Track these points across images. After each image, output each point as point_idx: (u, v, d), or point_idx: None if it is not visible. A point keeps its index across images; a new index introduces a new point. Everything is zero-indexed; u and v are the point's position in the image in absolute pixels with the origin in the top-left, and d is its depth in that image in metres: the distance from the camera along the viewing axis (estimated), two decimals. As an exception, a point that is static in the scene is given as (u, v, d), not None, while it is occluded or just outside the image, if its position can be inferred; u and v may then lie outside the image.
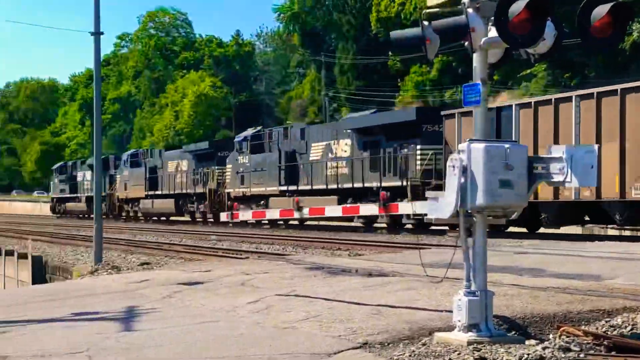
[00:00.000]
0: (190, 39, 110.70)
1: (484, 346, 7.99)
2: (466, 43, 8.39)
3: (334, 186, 37.43)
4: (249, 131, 47.64)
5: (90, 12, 22.69)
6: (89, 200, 62.49)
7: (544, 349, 7.86)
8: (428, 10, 9.03)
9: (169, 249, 27.60)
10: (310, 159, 39.45)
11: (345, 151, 37.24)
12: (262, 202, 42.94)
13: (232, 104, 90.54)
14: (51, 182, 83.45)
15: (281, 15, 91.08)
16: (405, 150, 33.50)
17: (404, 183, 32.78)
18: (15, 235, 45.14)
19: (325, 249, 25.62)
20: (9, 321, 12.17)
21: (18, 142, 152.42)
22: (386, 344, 8.65)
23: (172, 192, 54.14)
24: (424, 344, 8.46)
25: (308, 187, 39.22)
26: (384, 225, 35.62)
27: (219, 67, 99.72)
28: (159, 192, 55.98)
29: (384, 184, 34.49)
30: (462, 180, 8.06)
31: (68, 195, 75.06)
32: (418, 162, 32.47)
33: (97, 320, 11.71)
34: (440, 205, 8.34)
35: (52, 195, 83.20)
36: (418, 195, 30.50)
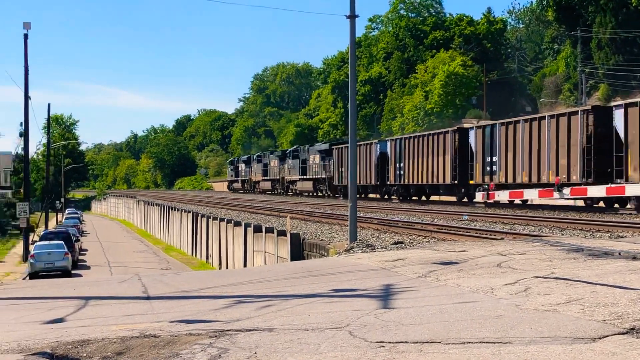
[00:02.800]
0: (441, 18, 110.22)
1: None
2: None
3: (312, 177, 75.97)
4: (291, 148, 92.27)
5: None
6: (243, 182, 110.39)
7: None
8: None
9: (421, 228, 27.71)
10: (309, 163, 77.18)
11: (317, 161, 74.31)
12: (296, 183, 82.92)
13: (483, 83, 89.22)
14: (228, 170, 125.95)
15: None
16: (329, 162, 70.06)
17: (326, 176, 70.97)
18: (273, 213, 47.14)
19: (583, 230, 24.71)
20: (272, 295, 12.70)
21: (275, 125, 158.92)
22: (656, 331, 8.21)
23: (271, 177, 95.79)
24: (698, 333, 7.95)
25: (307, 176, 78.06)
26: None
27: (469, 46, 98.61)
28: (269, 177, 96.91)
29: (323, 176, 72.54)
30: None
31: (234, 179, 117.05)
32: (331, 168, 68.58)
33: (355, 297, 11.95)
34: None
35: (227, 179, 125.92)
36: (328, 183, 70.79)
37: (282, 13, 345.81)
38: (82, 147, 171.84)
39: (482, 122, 46.02)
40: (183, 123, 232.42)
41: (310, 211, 44.46)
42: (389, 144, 57.41)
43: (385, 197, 59.40)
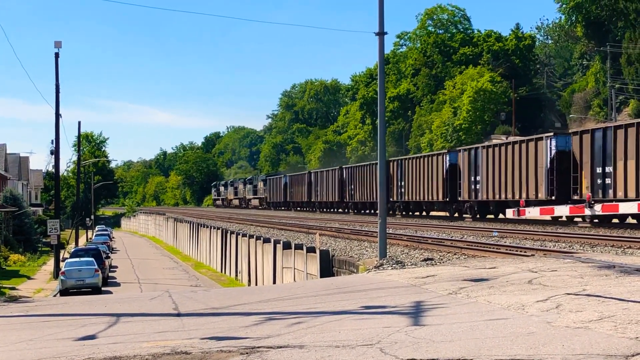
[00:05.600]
0: (469, 35, 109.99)
1: None
2: None
3: (259, 196, 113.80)
4: (248, 176, 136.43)
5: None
6: (222, 200, 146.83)
7: None
8: None
9: (450, 245, 27.63)
10: (258, 187, 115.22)
11: (262, 186, 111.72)
12: (251, 200, 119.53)
13: (512, 99, 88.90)
14: (212, 191, 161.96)
15: (563, 5, 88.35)
16: (267, 187, 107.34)
17: (265, 196, 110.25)
18: (302, 229, 47.18)
19: (614, 247, 24.53)
20: (302, 312, 12.71)
21: (303, 141, 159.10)
22: (690, 349, 8.13)
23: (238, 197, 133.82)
24: None
25: (256, 197, 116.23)
26: None
27: (498, 62, 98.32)
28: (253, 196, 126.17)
29: (263, 196, 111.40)
30: None
31: (217, 198, 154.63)
32: (261, 190, 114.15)
33: (385, 314, 11.94)
34: None
35: (212, 198, 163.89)
36: (266, 201, 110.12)
37: (310, 30, 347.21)
38: (112, 165, 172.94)
39: (469, 146, 52.26)
40: (212, 140, 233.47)
41: (340, 227, 44.45)
42: (391, 164, 60.12)
43: (390, 212, 60.59)
